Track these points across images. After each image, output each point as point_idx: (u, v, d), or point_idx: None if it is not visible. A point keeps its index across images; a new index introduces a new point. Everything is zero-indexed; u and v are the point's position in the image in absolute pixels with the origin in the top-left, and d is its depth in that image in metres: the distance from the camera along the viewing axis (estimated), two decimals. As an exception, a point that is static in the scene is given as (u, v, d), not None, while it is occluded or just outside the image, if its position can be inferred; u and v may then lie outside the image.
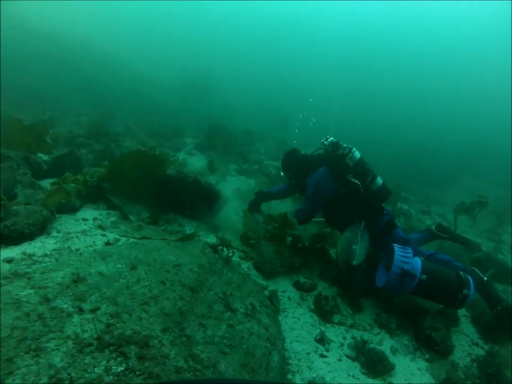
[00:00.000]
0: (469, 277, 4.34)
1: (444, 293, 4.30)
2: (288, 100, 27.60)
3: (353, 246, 4.54)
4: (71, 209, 4.84)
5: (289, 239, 5.12)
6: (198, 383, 2.49)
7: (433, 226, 5.73)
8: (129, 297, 3.00)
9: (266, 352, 3.31)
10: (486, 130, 30.01)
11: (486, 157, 20.40)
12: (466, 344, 4.53)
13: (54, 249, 3.76)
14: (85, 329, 2.55)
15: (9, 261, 3.40)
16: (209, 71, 27.94)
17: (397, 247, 4.49)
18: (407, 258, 4.32)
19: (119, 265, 3.41)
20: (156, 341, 2.70)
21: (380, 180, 5.06)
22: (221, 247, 4.42)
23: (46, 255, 3.61)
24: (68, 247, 3.89)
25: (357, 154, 5.02)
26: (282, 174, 5.90)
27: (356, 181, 4.90)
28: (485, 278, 4.75)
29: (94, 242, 4.15)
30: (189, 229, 5.56)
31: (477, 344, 4.56)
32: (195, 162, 9.15)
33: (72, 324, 2.57)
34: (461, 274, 4.35)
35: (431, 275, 4.24)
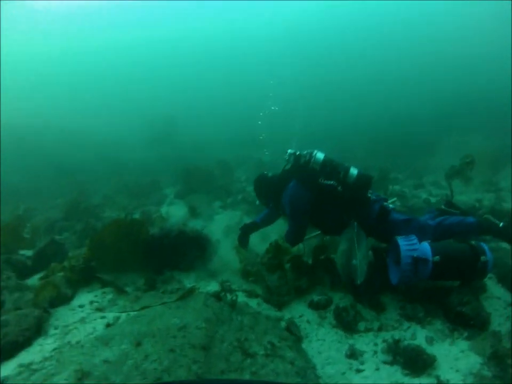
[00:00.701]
0: (482, 244, 4.18)
1: (462, 266, 4.12)
2: (250, 113, 27.54)
3: (353, 261, 4.34)
4: (64, 300, 4.66)
5: (287, 265, 4.95)
6: (198, 383, 2.57)
7: (443, 204, 5.47)
8: (140, 378, 2.84)
9: (299, 388, 3.13)
10: (464, 83, 29.73)
11: (467, 110, 20.04)
12: (501, 308, 4.27)
13: (54, 349, 3.57)
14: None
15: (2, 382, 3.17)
16: (167, 116, 27.92)
17: (399, 239, 4.31)
18: (414, 245, 4.16)
19: (123, 346, 3.24)
20: (180, 418, 2.54)
21: (354, 171, 4.81)
22: (223, 293, 4.24)
23: (45, 359, 3.40)
24: (68, 342, 3.69)
25: (320, 156, 4.87)
26: (257, 202, 5.75)
27: (329, 182, 4.73)
28: (501, 224, 4.53)
29: (94, 328, 3.96)
30: (188, 282, 5.38)
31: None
32: (177, 213, 8.99)
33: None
34: (473, 243, 4.18)
35: (443, 254, 4.04)
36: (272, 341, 3.64)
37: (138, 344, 3.24)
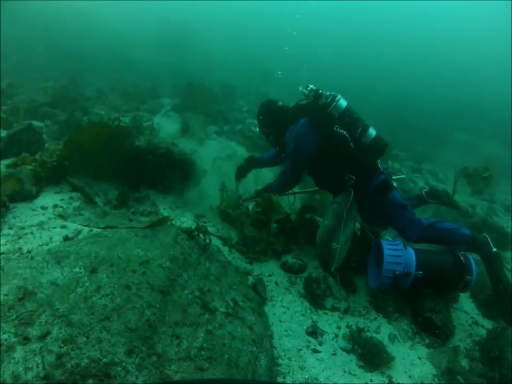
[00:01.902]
0: (470, 259, 3.91)
1: (444, 283, 3.93)
2: (269, 51, 26.46)
3: (334, 243, 3.96)
4: (27, 196, 4.29)
5: (274, 225, 4.62)
6: (198, 383, 2.33)
7: (424, 191, 5.19)
8: (87, 312, 2.55)
9: (252, 358, 2.91)
10: (476, 86, 29.14)
11: (475, 112, 19.75)
12: (467, 324, 4.18)
13: (2, 254, 3.23)
14: (29, 366, 2.11)
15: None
16: (186, 25, 26.68)
17: (385, 243, 4.00)
18: (398, 258, 3.82)
19: (76, 269, 2.93)
20: (120, 368, 2.29)
21: (372, 131, 4.31)
22: (196, 233, 3.93)
23: None
24: (19, 248, 3.36)
25: (343, 103, 4.30)
26: (257, 129, 5.17)
27: (344, 133, 4.22)
28: (494, 249, 4.17)
29: (51, 238, 3.62)
30: (162, 207, 5.07)
31: (477, 323, 4.22)
32: (169, 128, 8.42)
33: (13, 361, 2.11)
34: (461, 258, 3.91)
35: (427, 269, 3.80)
36: (236, 298, 3.40)
37: (93, 270, 2.94)
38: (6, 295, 2.51)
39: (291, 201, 5.05)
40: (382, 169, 4.48)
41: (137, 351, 2.41)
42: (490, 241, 4.23)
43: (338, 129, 4.21)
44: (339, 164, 4.37)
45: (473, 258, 3.96)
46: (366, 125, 4.31)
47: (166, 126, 8.89)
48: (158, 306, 2.81)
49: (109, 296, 2.72)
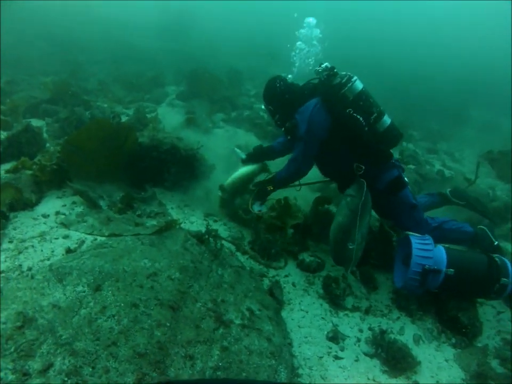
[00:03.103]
0: (505, 260, 3.60)
1: (477, 286, 3.58)
2: (276, 30, 25.82)
3: (349, 243, 3.67)
4: (28, 204, 4.09)
5: (290, 231, 4.35)
6: (198, 383, 2.27)
7: (448, 190, 4.83)
8: (92, 338, 2.36)
9: (271, 373, 2.73)
10: (490, 64, 28.40)
11: (491, 89, 19.13)
12: (494, 320, 3.93)
13: (1, 273, 3.03)
14: (29, 407, 1.92)
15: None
16: (188, 8, 26.20)
17: (413, 238, 3.68)
18: (427, 252, 3.52)
19: (79, 287, 2.73)
20: (129, 400, 2.09)
21: (387, 119, 3.97)
22: (207, 237, 3.71)
23: None
24: (19, 265, 3.15)
25: (358, 85, 3.90)
26: (263, 107, 4.68)
27: (358, 116, 3.84)
28: (496, 242, 4.07)
29: (52, 251, 3.40)
30: (170, 206, 4.85)
31: (505, 319, 3.96)
32: (174, 118, 8.15)
33: (11, 402, 1.92)
34: (496, 259, 3.59)
35: (459, 267, 3.47)
36: (251, 307, 3.20)
37: (98, 288, 2.74)
38: (4, 323, 2.32)
39: (297, 189, 4.59)
40: (395, 161, 4.17)
41: (148, 379, 2.22)
42: (490, 234, 4.11)
43: (351, 113, 3.84)
44: (349, 151, 4.02)
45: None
46: (381, 111, 3.96)
47: (171, 117, 8.63)
48: (168, 324, 2.61)
49: (115, 317, 2.52)
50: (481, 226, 4.27)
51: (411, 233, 3.76)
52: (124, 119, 8.01)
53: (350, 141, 3.94)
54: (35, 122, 7.13)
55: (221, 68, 14.15)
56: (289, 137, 4.43)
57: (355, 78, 3.90)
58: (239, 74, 14.06)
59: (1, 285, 2.74)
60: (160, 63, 15.68)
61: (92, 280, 2.80)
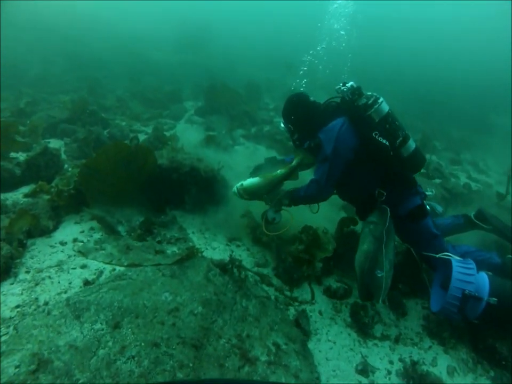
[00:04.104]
0: None
1: None
2: (291, 42, 25.79)
3: (378, 271, 3.45)
4: (45, 231, 4.00)
5: (319, 264, 4.14)
6: (198, 383, 2.24)
7: (473, 213, 4.50)
8: (110, 382, 2.21)
9: (299, 413, 2.55)
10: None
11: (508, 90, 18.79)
12: None
13: (17, 307, 2.91)
14: None
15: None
16: (204, 22, 26.38)
17: (455, 261, 3.45)
18: (469, 276, 3.27)
19: (98, 325, 2.61)
20: None
21: (412, 143, 3.75)
22: (230, 266, 3.55)
23: (3, 320, 2.73)
24: (36, 298, 3.03)
25: (385, 107, 3.68)
26: (282, 126, 4.34)
27: (384, 141, 3.61)
28: None
29: (70, 283, 3.28)
30: (191, 231, 4.71)
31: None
32: (193, 135, 8.01)
33: None
34: None
35: (503, 296, 3.17)
36: (278, 341, 3.04)
37: (117, 325, 2.61)
38: (17, 366, 2.20)
39: (314, 210, 4.27)
40: (418, 188, 3.94)
41: (171, 428, 2.07)
42: None
43: (377, 136, 3.62)
44: (372, 176, 3.80)
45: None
46: (406, 134, 3.75)
47: (190, 134, 8.52)
48: (191, 365, 2.47)
49: (135, 359, 2.39)
50: (510, 256, 3.92)
51: (452, 255, 3.54)
52: (142, 137, 7.95)
53: (374, 165, 3.73)
54: (54, 143, 7.13)
55: (238, 80, 14.11)
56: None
57: (381, 99, 3.70)
58: (257, 87, 13.98)
59: (17, 322, 2.63)
60: (177, 77, 15.76)
61: (111, 317, 2.68)
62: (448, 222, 4.50)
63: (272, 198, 4.16)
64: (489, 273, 3.39)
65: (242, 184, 4.23)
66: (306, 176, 4.20)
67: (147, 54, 19.76)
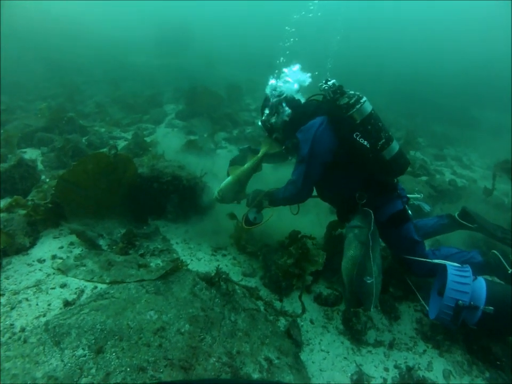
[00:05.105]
0: None
1: None
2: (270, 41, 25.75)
3: (367, 277, 3.26)
4: (21, 249, 3.82)
5: (309, 277, 3.96)
6: (198, 383, 2.23)
7: (457, 213, 4.41)
8: (93, 415, 2.06)
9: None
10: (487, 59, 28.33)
11: (492, 88, 18.95)
12: None
13: (-9, 336, 2.74)
14: None
15: None
16: (183, 24, 26.22)
17: (451, 267, 3.36)
18: (464, 286, 3.17)
19: (79, 351, 2.45)
20: None
21: (395, 146, 3.53)
22: (217, 279, 3.41)
23: None
24: (11, 324, 2.85)
25: (368, 107, 3.49)
26: (259, 123, 4.22)
27: (364, 142, 3.43)
28: (510, 270, 3.63)
29: (49, 305, 3.11)
30: (175, 241, 4.56)
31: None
32: (174, 141, 7.83)
33: None
34: None
35: (500, 306, 3.08)
36: (269, 356, 2.92)
37: (100, 350, 2.46)
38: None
39: (294, 211, 4.20)
40: (400, 191, 3.81)
41: None
42: (503, 260, 3.71)
43: (358, 137, 3.45)
44: (351, 178, 3.70)
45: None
46: (389, 136, 3.56)
47: (171, 139, 8.40)
48: (179, 389, 2.33)
49: (120, 388, 2.24)
50: (494, 251, 3.84)
51: (449, 262, 3.44)
52: (122, 143, 7.77)
53: (353, 168, 3.61)
54: (30, 152, 6.92)
55: (219, 82, 14.00)
56: (290, 158, 4.20)
57: (364, 99, 3.51)
58: (238, 88, 13.86)
59: (-12, 355, 2.45)
60: (157, 81, 15.58)
61: (93, 341, 2.53)
62: (433, 222, 4.41)
63: (253, 199, 4.05)
64: (488, 279, 3.32)
65: (219, 188, 4.18)
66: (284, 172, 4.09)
67: (126, 58, 19.55)
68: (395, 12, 49.22)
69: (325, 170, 3.59)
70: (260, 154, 4.15)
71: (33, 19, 23.70)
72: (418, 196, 4.33)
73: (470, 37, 42.93)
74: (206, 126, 9.87)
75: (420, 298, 3.84)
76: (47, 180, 5.21)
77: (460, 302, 3.08)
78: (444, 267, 3.45)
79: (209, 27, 31.96)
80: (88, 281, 3.44)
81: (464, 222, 4.29)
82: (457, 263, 3.54)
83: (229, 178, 4.20)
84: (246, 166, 4.16)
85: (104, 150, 6.34)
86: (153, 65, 18.83)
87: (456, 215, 4.38)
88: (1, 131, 7.12)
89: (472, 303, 3.08)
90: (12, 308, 3.04)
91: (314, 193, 3.97)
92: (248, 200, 4.15)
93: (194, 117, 10.69)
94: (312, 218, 4.94)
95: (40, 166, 6.20)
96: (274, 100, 3.93)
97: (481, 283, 3.22)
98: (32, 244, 4.00)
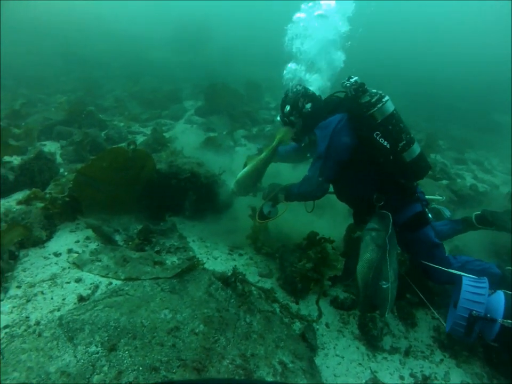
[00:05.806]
0: None
1: None
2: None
3: (382, 282, 3.19)
4: (38, 241, 3.83)
5: (327, 283, 3.88)
6: (198, 383, 2.11)
7: (474, 216, 4.28)
8: (104, 415, 2.03)
9: None
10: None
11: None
12: None
13: (6, 328, 2.72)
14: None
15: None
16: (204, 21, 26.21)
17: (466, 279, 3.22)
18: (479, 296, 3.02)
19: (92, 348, 2.43)
20: None
21: (416, 148, 3.42)
22: (233, 279, 3.37)
23: None
24: (27, 317, 2.85)
25: (390, 106, 3.38)
26: (278, 119, 4.16)
27: (385, 143, 3.34)
28: None
29: (63, 299, 3.10)
30: (192, 239, 4.53)
31: None
32: (192, 138, 7.82)
33: None
34: None
35: None
36: (284, 360, 2.86)
37: (113, 348, 2.44)
38: (2, 401, 2.02)
39: (308, 209, 4.13)
40: (419, 195, 3.70)
41: None
42: None
43: (378, 137, 3.35)
44: (369, 178, 3.59)
45: None
46: (411, 138, 3.45)
47: (189, 135, 8.38)
48: (192, 390, 2.29)
49: (133, 388, 2.21)
50: (509, 268, 3.71)
51: (465, 274, 3.33)
52: (141, 138, 7.77)
53: (372, 168, 3.51)
54: (49, 145, 6.96)
55: (238, 79, 13.92)
56: (308, 155, 4.16)
57: (386, 98, 3.40)
58: (257, 86, 13.77)
59: (3, 346, 2.44)
60: (177, 77, 15.56)
61: (106, 338, 2.51)
62: (447, 227, 4.30)
63: (269, 192, 4.03)
64: (509, 292, 3.15)
65: (236, 179, 4.21)
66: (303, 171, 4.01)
67: (146, 54, 19.61)
68: (414, 13, 48.82)
69: (341, 169, 3.53)
70: (275, 142, 4.11)
71: (55, 13, 23.96)
72: (440, 198, 4.24)
73: (491, 39, 42.32)
74: (225, 123, 9.84)
75: (434, 311, 3.73)
76: (65, 173, 5.22)
77: (474, 312, 2.94)
78: (460, 278, 3.30)
79: (229, 25, 31.96)
80: (103, 276, 3.43)
81: (482, 227, 4.21)
82: (475, 269, 3.49)
83: (246, 167, 4.22)
84: (262, 155, 4.15)
85: (123, 144, 6.35)
86: (172, 61, 18.85)
87: (474, 220, 4.25)
88: (23, 124, 7.18)
89: (488, 315, 2.93)
90: (28, 301, 3.05)
91: (331, 189, 3.91)
92: (264, 193, 4.12)
93: (213, 113, 10.67)
94: (328, 219, 4.86)
95: (59, 159, 6.24)
96: (295, 95, 3.86)
97: (500, 296, 3.07)
98: (49, 237, 4.02)
